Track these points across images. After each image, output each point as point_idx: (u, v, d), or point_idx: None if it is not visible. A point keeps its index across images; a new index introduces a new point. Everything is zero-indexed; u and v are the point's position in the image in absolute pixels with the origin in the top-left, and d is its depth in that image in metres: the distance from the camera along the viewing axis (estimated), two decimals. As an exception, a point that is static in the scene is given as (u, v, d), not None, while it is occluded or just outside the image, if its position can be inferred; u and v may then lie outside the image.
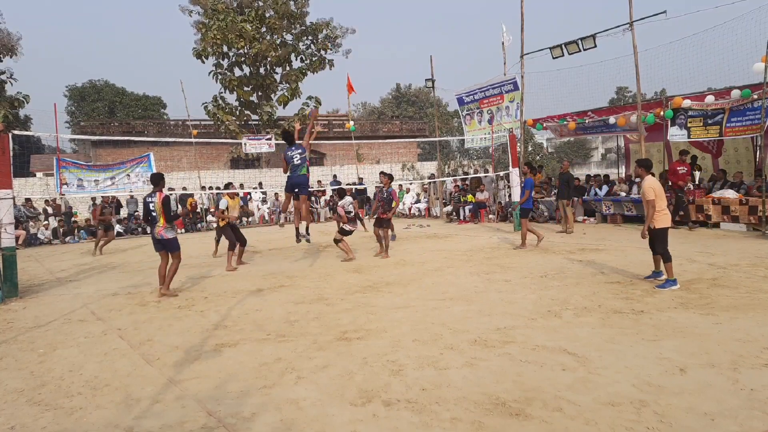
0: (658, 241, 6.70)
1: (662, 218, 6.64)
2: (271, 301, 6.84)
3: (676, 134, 12.86)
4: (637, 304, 5.66)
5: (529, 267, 8.28)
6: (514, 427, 3.10)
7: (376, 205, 10.58)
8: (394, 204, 10.22)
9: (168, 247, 7.51)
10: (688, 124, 12.51)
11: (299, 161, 9.02)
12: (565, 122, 15.67)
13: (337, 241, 9.99)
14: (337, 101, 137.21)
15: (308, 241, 9.42)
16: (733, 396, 3.34)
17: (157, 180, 7.51)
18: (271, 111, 27.98)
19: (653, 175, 7.00)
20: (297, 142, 9.35)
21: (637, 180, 6.73)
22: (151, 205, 7.44)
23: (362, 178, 21.68)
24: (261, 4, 27.38)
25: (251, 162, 30.13)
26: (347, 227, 9.93)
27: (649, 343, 4.41)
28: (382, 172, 10.89)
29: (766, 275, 6.76)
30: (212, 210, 20.36)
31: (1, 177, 7.97)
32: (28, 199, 19.31)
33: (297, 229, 9.25)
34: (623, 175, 17.18)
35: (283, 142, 9.73)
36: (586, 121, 15.22)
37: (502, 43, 16.55)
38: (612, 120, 14.26)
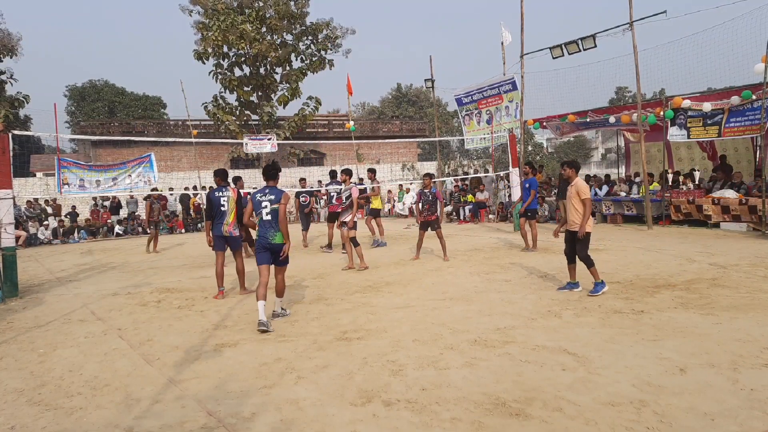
0: (581, 246, 6.27)
1: (589, 222, 6.28)
2: (271, 301, 6.83)
3: (675, 134, 12.87)
4: (637, 304, 5.66)
5: (529, 267, 8.28)
6: (514, 427, 3.10)
7: (419, 207, 9.70)
8: (439, 204, 9.43)
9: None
10: (688, 124, 12.51)
11: (263, 213, 5.78)
12: (566, 120, 15.68)
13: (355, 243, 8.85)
14: (337, 101, 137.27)
15: (283, 314, 6.07)
16: (733, 396, 3.34)
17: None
18: (271, 111, 27.97)
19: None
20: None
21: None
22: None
23: (362, 179, 21.67)
24: (261, 4, 27.37)
25: (251, 162, 30.12)
26: (347, 218, 8.80)
27: (649, 343, 4.41)
28: (426, 174, 9.84)
29: (766, 275, 6.76)
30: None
31: (1, 177, 7.96)
32: (33, 200, 19.32)
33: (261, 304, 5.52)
34: (623, 175, 17.19)
35: (283, 142, 9.27)
36: (588, 119, 15.22)
37: (502, 43, 16.55)
38: (612, 119, 14.26)
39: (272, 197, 5.76)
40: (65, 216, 19.27)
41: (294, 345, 4.87)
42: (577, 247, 6.35)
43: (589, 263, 6.21)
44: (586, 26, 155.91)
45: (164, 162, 28.27)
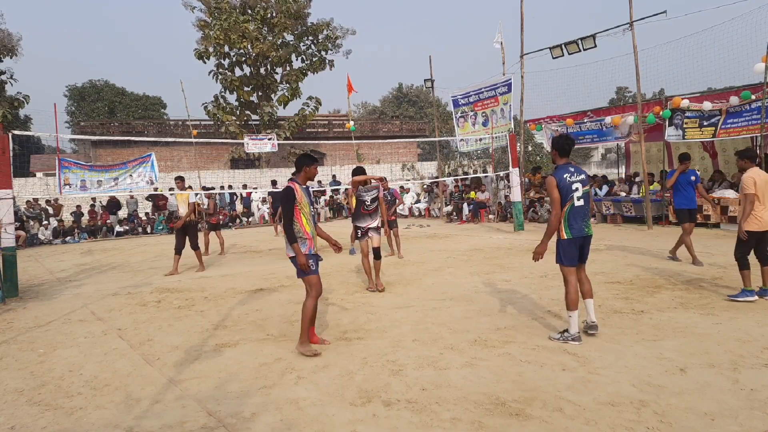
0: (736, 243, 5.83)
1: (751, 220, 5.65)
2: (271, 301, 6.84)
3: (672, 134, 12.87)
4: (637, 304, 5.66)
5: (529, 267, 8.28)
6: (514, 427, 3.10)
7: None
8: (398, 202, 10.58)
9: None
10: (684, 125, 12.51)
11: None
12: (563, 123, 15.66)
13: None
14: (337, 101, 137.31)
15: None
16: (733, 396, 3.34)
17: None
18: (271, 111, 27.99)
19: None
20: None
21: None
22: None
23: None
24: (265, 5, 27.37)
25: (251, 162, 30.13)
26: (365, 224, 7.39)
27: (649, 343, 4.41)
28: (381, 178, 9.56)
29: (766, 275, 6.75)
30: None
31: (1, 177, 7.96)
32: (34, 200, 19.28)
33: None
34: (623, 176, 17.17)
35: (283, 142, 8.99)
36: (585, 122, 15.19)
37: (501, 43, 16.56)
38: (608, 120, 14.24)
39: (582, 177, 4.59)
40: (71, 214, 19.26)
41: (294, 345, 4.87)
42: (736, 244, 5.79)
43: (741, 265, 5.70)
44: (586, 26, 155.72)
45: (164, 162, 28.28)
